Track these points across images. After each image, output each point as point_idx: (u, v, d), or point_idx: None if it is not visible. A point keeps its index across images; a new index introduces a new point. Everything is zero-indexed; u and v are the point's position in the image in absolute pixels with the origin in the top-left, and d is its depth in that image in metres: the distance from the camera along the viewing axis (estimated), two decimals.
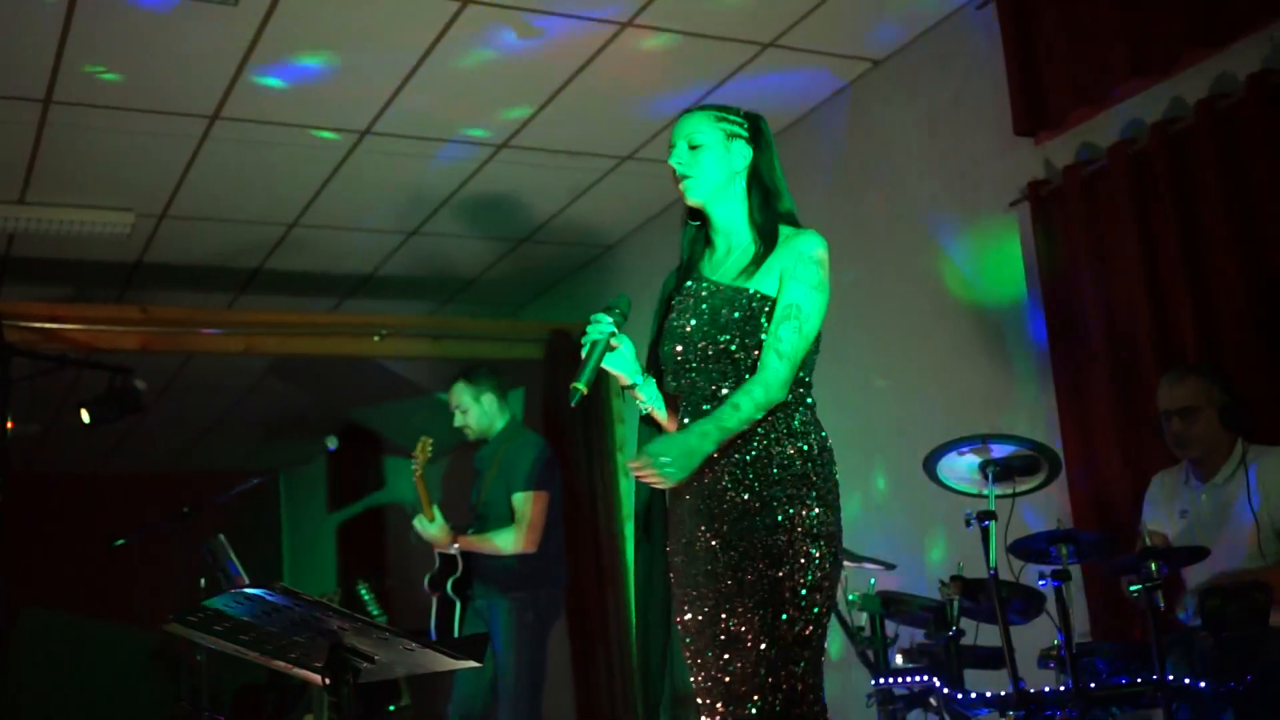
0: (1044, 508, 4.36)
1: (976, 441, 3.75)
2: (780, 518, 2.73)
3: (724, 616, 2.75)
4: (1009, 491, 3.79)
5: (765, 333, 2.81)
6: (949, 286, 5.07)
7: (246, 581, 4.70)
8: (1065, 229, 4.47)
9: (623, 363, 2.92)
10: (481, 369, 5.48)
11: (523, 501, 5.13)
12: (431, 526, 5.15)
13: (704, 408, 2.83)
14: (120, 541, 5.81)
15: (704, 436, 2.73)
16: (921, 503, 4.85)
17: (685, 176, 2.96)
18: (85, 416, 6.15)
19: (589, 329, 2.85)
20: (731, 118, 3.00)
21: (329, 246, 7.02)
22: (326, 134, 5.69)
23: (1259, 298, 3.86)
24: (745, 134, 3.00)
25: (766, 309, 2.83)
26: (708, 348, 2.86)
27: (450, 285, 7.87)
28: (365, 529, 11.04)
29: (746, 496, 2.76)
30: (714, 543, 2.78)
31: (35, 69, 4.91)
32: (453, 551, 5.13)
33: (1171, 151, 4.11)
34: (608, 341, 2.85)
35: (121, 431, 9.94)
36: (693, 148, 2.96)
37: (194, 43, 4.81)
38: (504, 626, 5.08)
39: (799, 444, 2.79)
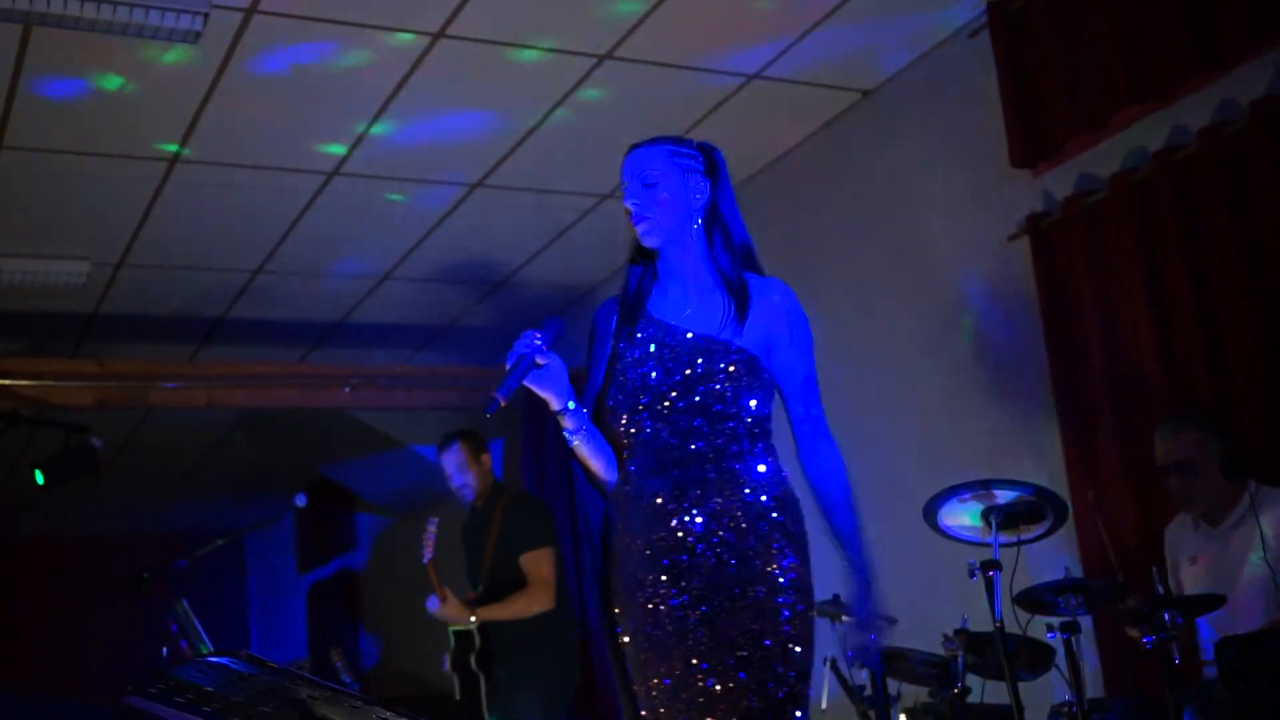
0: (1051, 556, 4.36)
1: (979, 487, 3.75)
2: (753, 571, 2.72)
3: (698, 677, 2.70)
4: (1014, 539, 3.79)
5: (743, 388, 2.80)
6: (947, 325, 5.09)
7: (211, 649, 4.68)
8: (1067, 262, 4.51)
9: (552, 383, 2.82)
10: (474, 428, 5.59)
11: (533, 561, 5.22)
12: (445, 606, 5.20)
13: (668, 459, 2.79)
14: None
15: (869, 567, 2.85)
16: (922, 552, 4.84)
17: (643, 218, 2.91)
18: (39, 477, 6.13)
19: (515, 343, 2.80)
20: (686, 151, 2.96)
21: (295, 294, 7.03)
22: (292, 176, 5.71)
23: (1270, 330, 3.88)
24: (701, 168, 2.96)
25: (744, 363, 2.81)
26: (679, 399, 2.81)
27: (423, 332, 7.88)
28: (338, 591, 10.98)
29: (717, 547, 2.73)
30: (684, 598, 2.74)
31: None
32: (471, 627, 5.16)
33: (1175, 181, 4.15)
34: (534, 358, 2.78)
35: (77, 493, 9.90)
36: (647, 186, 2.91)
37: (153, 81, 4.84)
38: (528, 692, 5.14)
39: (767, 490, 2.78)
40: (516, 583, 5.22)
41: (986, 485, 3.75)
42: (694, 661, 2.69)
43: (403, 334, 7.86)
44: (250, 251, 6.45)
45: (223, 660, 2.35)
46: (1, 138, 5.12)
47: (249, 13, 4.45)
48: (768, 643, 2.68)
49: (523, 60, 4.94)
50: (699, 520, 2.74)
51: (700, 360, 2.81)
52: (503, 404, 2.71)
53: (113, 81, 4.82)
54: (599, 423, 2.91)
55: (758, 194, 6.11)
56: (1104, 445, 4.32)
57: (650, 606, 2.75)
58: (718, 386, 2.79)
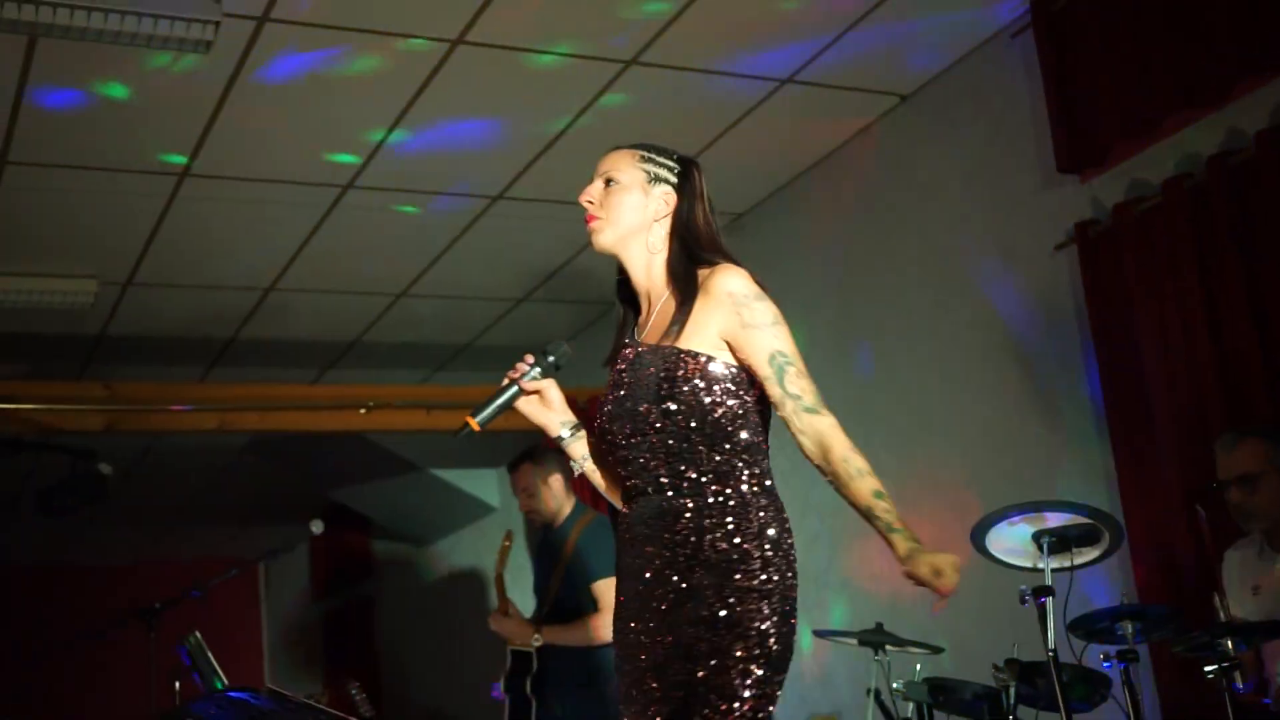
0: (1106, 581, 4.33)
1: (1029, 510, 3.72)
2: (705, 612, 2.59)
3: None
4: (1066, 564, 3.76)
5: (685, 393, 2.66)
6: (991, 340, 5.07)
7: (225, 683, 4.68)
8: (1117, 273, 4.48)
9: (545, 411, 2.88)
10: (546, 448, 5.60)
11: (605, 588, 5.19)
12: (509, 621, 5.20)
13: (630, 488, 2.75)
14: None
15: (907, 536, 2.61)
16: (969, 579, 4.79)
17: (593, 217, 2.86)
18: (45, 505, 6.15)
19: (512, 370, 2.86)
20: (659, 159, 2.90)
21: (309, 312, 7.05)
22: (306, 189, 5.72)
23: None
24: (673, 179, 2.87)
25: (685, 365, 2.68)
26: (626, 422, 2.73)
27: (443, 351, 7.88)
28: (355, 620, 10.99)
29: (676, 580, 2.65)
30: (643, 638, 2.69)
31: None
32: (535, 645, 5.15)
33: (1231, 186, 4.12)
34: (519, 383, 2.82)
35: (84, 520, 9.94)
36: (607, 184, 2.88)
37: (162, 93, 4.86)
38: None
39: (737, 522, 2.64)
40: (582, 608, 5.21)
41: (1038, 507, 3.72)
42: (650, 710, 2.64)
43: (421, 353, 7.87)
44: (262, 268, 6.47)
45: (243, 695, 2.36)
46: (6, 152, 5.15)
47: (261, 21, 4.47)
48: (697, 699, 2.56)
49: (545, 66, 4.94)
50: (647, 551, 2.69)
51: (644, 373, 2.72)
52: (477, 429, 2.75)
53: (120, 93, 4.84)
54: (599, 461, 2.93)
55: (788, 204, 6.10)
56: (1159, 465, 4.29)
57: (628, 640, 2.75)
58: (653, 398, 2.68)
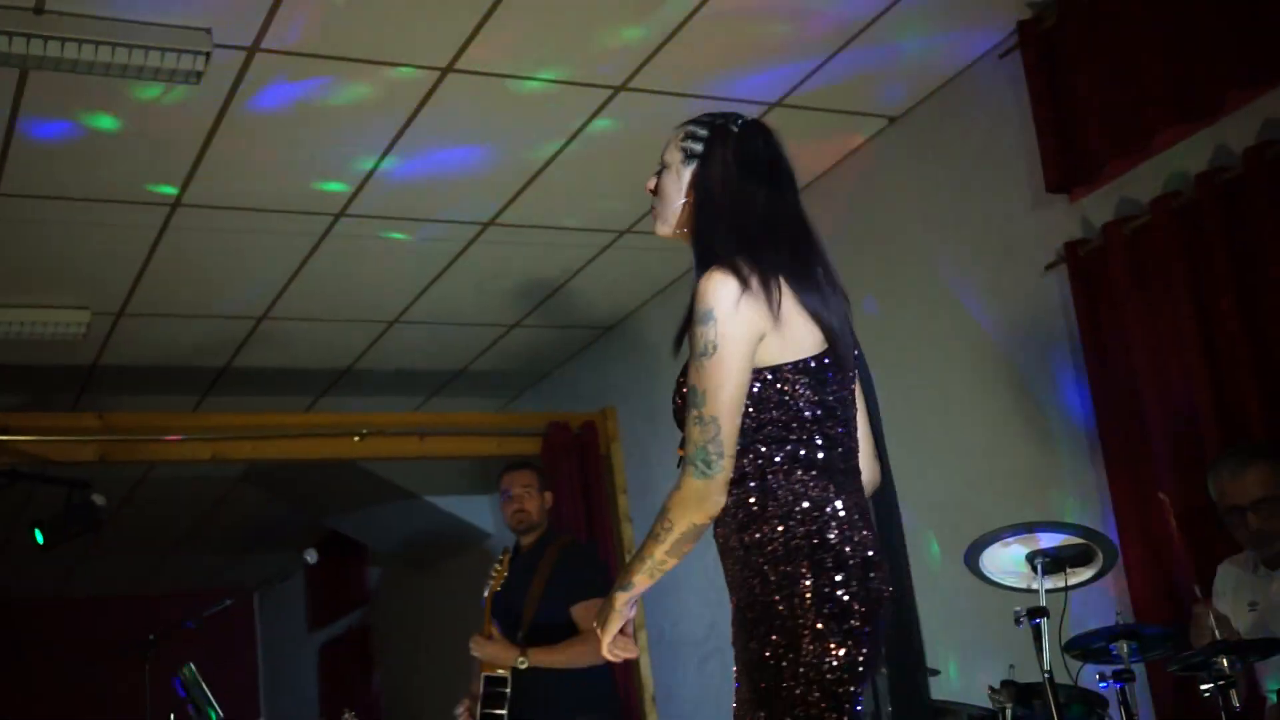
0: (1101, 601, 4.33)
1: (1022, 531, 3.72)
2: (754, 643, 2.45)
3: None
4: (1061, 585, 3.76)
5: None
6: (982, 361, 5.07)
7: (220, 715, 4.67)
8: (1108, 292, 4.48)
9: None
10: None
11: (588, 611, 5.09)
12: (493, 644, 5.12)
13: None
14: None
15: (621, 586, 2.55)
16: (963, 600, 4.81)
17: (652, 209, 2.70)
18: (39, 537, 6.13)
19: None
20: (697, 129, 2.65)
21: (302, 340, 7.05)
22: (298, 218, 5.73)
23: None
24: (700, 149, 2.62)
25: (682, 391, 2.52)
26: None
27: (436, 377, 7.89)
28: (350, 651, 10.96)
29: (732, 593, 2.55)
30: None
31: None
32: (521, 667, 5.05)
33: (1221, 203, 4.13)
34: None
35: (78, 552, 9.92)
36: (658, 171, 2.68)
37: (153, 124, 4.87)
38: None
39: (758, 512, 2.48)
40: (561, 632, 5.14)
41: (1030, 528, 3.72)
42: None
43: (414, 380, 7.87)
44: (254, 297, 6.48)
45: None
46: None
47: (251, 51, 4.49)
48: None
49: (533, 93, 4.96)
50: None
51: (675, 392, 2.59)
52: None
53: (111, 125, 4.85)
54: None
55: None
56: (1153, 484, 4.28)
57: None
58: (681, 426, 2.52)
